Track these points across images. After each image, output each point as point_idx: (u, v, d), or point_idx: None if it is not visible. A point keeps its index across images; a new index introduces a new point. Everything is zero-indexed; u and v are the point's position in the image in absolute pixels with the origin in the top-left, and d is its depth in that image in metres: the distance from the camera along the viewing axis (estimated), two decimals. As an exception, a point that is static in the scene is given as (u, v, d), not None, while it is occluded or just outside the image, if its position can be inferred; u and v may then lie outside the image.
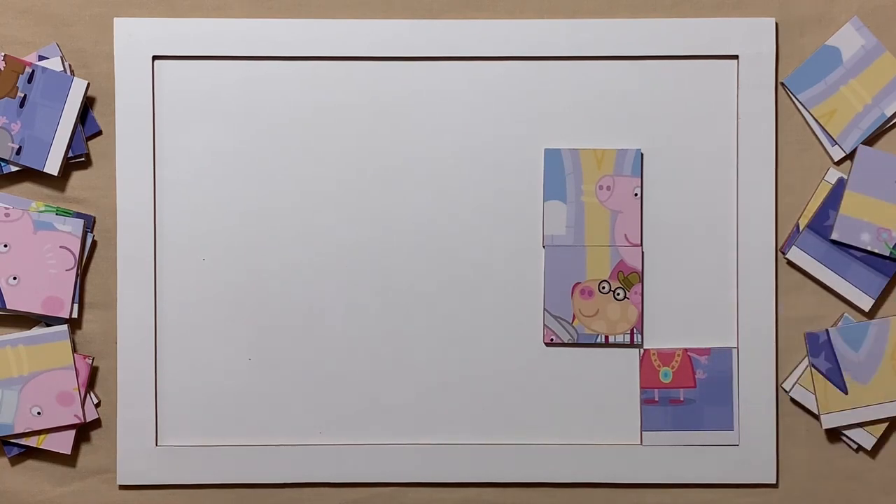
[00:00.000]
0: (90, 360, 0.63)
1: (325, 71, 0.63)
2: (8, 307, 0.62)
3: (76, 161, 0.64)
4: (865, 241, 0.63)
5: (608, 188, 0.63)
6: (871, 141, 0.64)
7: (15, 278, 0.62)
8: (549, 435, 0.64)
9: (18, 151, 0.62)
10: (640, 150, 0.63)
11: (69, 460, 0.64)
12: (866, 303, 0.63)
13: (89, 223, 0.64)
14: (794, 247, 0.63)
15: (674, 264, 0.64)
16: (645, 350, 0.64)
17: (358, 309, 0.64)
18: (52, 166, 0.62)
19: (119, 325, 0.63)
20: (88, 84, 0.63)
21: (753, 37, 0.63)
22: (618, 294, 0.63)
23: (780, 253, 0.64)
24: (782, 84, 0.64)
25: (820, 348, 0.63)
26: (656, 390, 0.63)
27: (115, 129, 0.63)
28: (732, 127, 0.64)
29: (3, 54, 0.62)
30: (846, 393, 0.63)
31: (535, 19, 0.63)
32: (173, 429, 0.63)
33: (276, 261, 0.63)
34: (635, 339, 0.63)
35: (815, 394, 0.63)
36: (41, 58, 0.63)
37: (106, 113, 0.64)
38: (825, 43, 0.63)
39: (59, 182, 0.64)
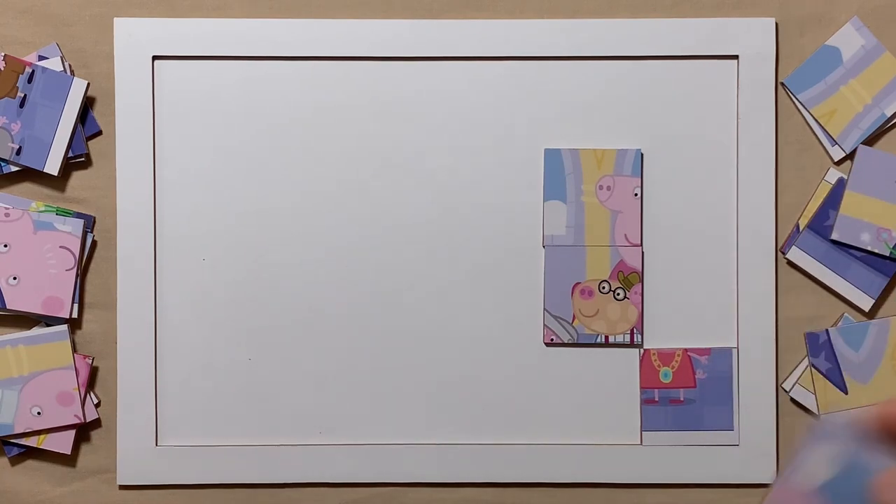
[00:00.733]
0: (90, 360, 0.63)
1: (325, 71, 0.63)
2: (8, 307, 0.62)
3: (76, 161, 0.64)
4: (865, 241, 0.63)
5: (608, 188, 0.63)
6: (871, 141, 0.64)
7: (15, 278, 0.62)
8: (548, 435, 0.64)
9: (18, 151, 0.62)
10: (640, 150, 0.63)
11: (69, 460, 0.64)
12: (866, 303, 0.63)
13: (89, 223, 0.64)
14: (794, 247, 0.63)
15: (674, 264, 0.64)
16: (645, 350, 0.64)
17: (358, 309, 0.64)
18: (52, 166, 0.62)
19: (119, 325, 0.63)
20: (88, 84, 0.63)
21: (753, 37, 0.63)
22: (618, 294, 0.63)
23: (780, 253, 0.64)
24: (782, 84, 0.64)
25: (820, 348, 0.63)
26: (656, 390, 0.63)
27: (115, 129, 0.63)
28: (732, 127, 0.64)
29: (3, 54, 0.62)
30: (846, 393, 0.63)
31: (535, 19, 0.63)
32: (173, 429, 0.63)
33: (276, 261, 0.63)
34: (635, 339, 0.63)
35: (815, 394, 0.63)
36: (41, 58, 0.63)
37: (106, 113, 0.64)
38: (825, 43, 0.63)
39: (59, 182, 0.64)
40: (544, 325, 0.63)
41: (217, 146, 0.64)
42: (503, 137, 0.64)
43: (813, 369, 0.63)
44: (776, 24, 0.63)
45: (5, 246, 0.63)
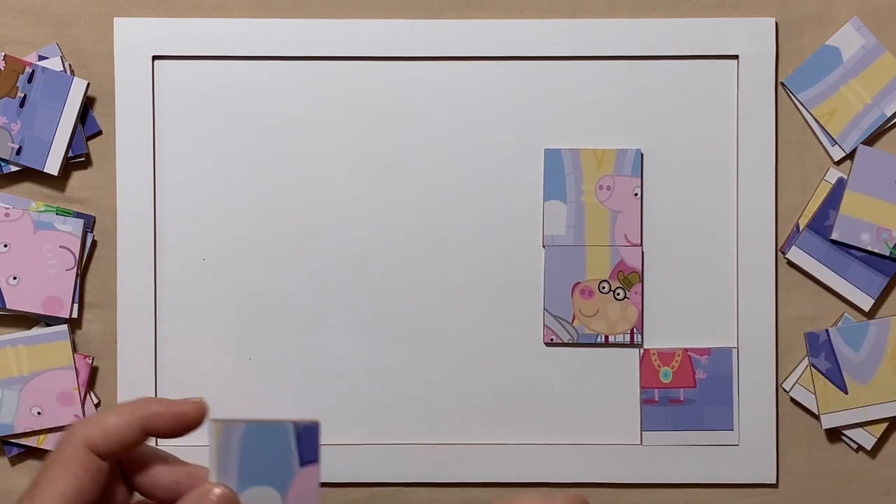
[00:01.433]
0: (90, 360, 0.63)
1: (325, 71, 0.63)
2: (8, 307, 0.62)
3: (76, 161, 0.64)
4: (865, 241, 0.63)
5: (608, 188, 0.63)
6: (871, 141, 0.64)
7: (15, 278, 0.62)
8: (548, 435, 0.64)
9: (18, 151, 0.62)
10: (640, 150, 0.63)
11: (69, 460, 0.64)
12: (866, 303, 0.63)
13: (89, 223, 0.64)
14: (794, 247, 0.63)
15: (674, 264, 0.64)
16: (645, 350, 0.64)
17: (357, 308, 0.64)
18: (52, 166, 0.62)
19: (119, 325, 0.63)
20: (88, 84, 0.63)
21: (753, 37, 0.63)
22: (618, 294, 0.63)
23: (780, 253, 0.64)
24: (782, 84, 0.64)
25: (820, 348, 0.63)
26: (656, 390, 0.63)
27: (115, 129, 0.63)
28: (732, 127, 0.64)
29: (3, 54, 0.62)
30: (846, 393, 0.63)
31: (535, 19, 0.63)
32: (173, 429, 0.63)
33: (276, 261, 0.63)
34: (635, 339, 0.63)
35: (815, 394, 0.63)
36: (41, 58, 0.63)
37: (106, 113, 0.64)
38: (825, 43, 0.63)
39: (59, 182, 0.64)
40: (544, 325, 0.63)
41: (217, 146, 0.64)
42: (503, 137, 0.64)
43: (813, 369, 0.63)
44: (776, 24, 0.63)
45: (5, 246, 0.63)
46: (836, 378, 0.63)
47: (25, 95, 0.62)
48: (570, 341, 0.63)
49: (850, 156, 0.64)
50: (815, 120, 0.64)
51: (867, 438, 0.64)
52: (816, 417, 0.64)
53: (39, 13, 0.63)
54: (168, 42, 0.63)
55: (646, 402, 0.64)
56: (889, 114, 0.63)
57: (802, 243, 0.63)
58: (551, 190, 0.63)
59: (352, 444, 0.64)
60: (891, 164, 0.63)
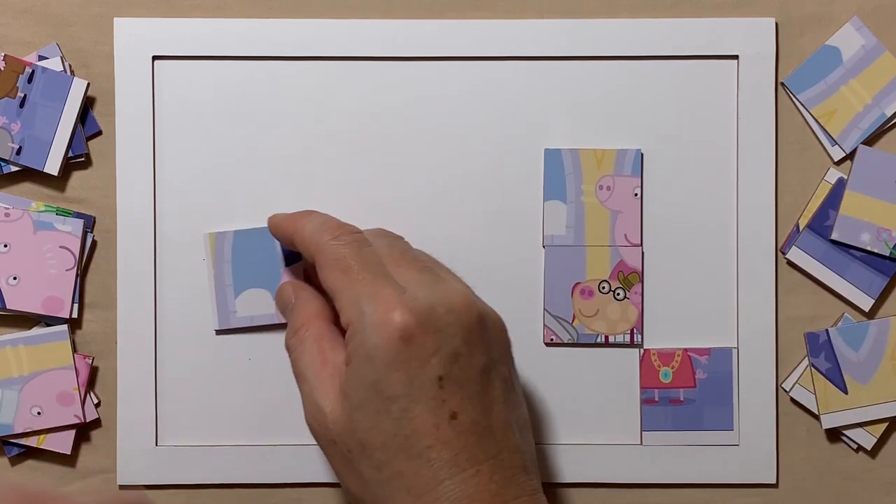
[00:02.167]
0: (90, 360, 0.63)
1: (326, 71, 0.63)
2: (8, 307, 0.62)
3: (76, 161, 0.64)
4: (865, 241, 0.63)
5: (608, 188, 0.63)
6: (871, 141, 0.64)
7: (15, 278, 0.62)
8: (548, 435, 0.64)
9: (18, 151, 0.62)
10: (640, 150, 0.63)
11: (69, 460, 0.64)
12: (866, 303, 0.63)
13: (89, 223, 0.64)
14: (794, 247, 0.63)
15: (674, 264, 0.64)
16: (645, 350, 0.64)
17: (358, 309, 0.63)
18: (52, 166, 0.62)
19: (119, 325, 0.63)
20: (88, 84, 0.63)
21: (753, 37, 0.63)
22: (618, 294, 0.63)
23: (780, 253, 0.64)
24: (782, 84, 0.64)
25: (820, 348, 0.63)
26: (656, 390, 0.63)
27: (115, 129, 0.63)
28: (732, 127, 0.64)
29: (3, 54, 0.62)
30: (846, 393, 0.63)
31: (535, 19, 0.63)
32: (173, 429, 0.63)
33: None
34: (635, 339, 0.63)
35: (815, 394, 0.63)
36: (41, 58, 0.63)
37: (106, 113, 0.64)
38: (825, 43, 0.63)
39: (59, 182, 0.64)
40: (544, 325, 0.63)
41: (217, 146, 0.64)
42: (503, 137, 0.64)
43: (813, 369, 0.63)
44: (776, 24, 0.63)
45: (5, 246, 0.63)
46: (836, 378, 0.63)
47: (25, 95, 0.62)
48: (570, 341, 0.63)
49: (850, 156, 0.64)
50: (815, 120, 0.64)
51: (867, 438, 0.64)
52: (816, 417, 0.64)
53: (39, 13, 0.63)
54: (168, 42, 0.63)
55: (646, 402, 0.64)
56: (889, 114, 0.63)
57: (802, 243, 0.63)
58: (551, 190, 0.63)
59: (352, 444, 0.63)
60: (891, 164, 0.63)
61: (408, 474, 0.46)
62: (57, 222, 0.63)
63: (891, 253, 0.63)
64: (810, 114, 0.64)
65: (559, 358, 0.64)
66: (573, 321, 0.63)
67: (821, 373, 0.63)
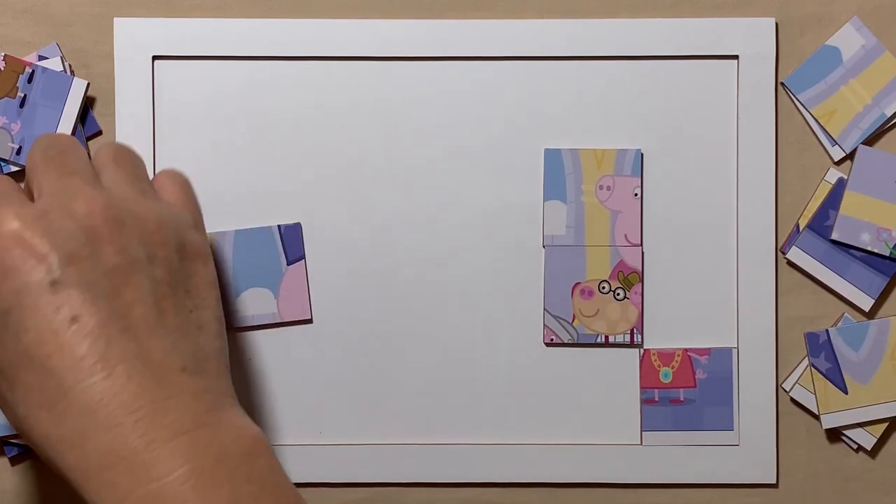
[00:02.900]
0: (90, 360, 0.63)
1: (326, 71, 0.63)
2: (8, 307, 0.62)
3: (76, 161, 0.64)
4: (865, 241, 0.63)
5: (608, 188, 0.63)
6: (871, 141, 0.64)
7: (15, 278, 0.62)
8: (549, 435, 0.64)
9: (18, 151, 0.62)
10: (640, 150, 0.63)
11: (69, 460, 0.64)
12: (866, 303, 0.63)
13: (89, 223, 0.64)
14: (794, 247, 0.63)
15: (674, 264, 0.64)
16: (645, 350, 0.64)
17: (357, 308, 0.64)
18: (52, 166, 0.62)
19: (119, 325, 0.63)
20: (88, 84, 0.63)
21: (753, 37, 0.63)
22: (618, 294, 0.63)
23: (780, 253, 0.64)
24: (782, 84, 0.64)
25: (820, 348, 0.63)
26: (656, 390, 0.64)
27: (115, 129, 0.63)
28: (732, 127, 0.64)
29: (3, 54, 0.62)
30: (846, 393, 0.63)
31: (535, 19, 0.63)
32: (173, 429, 0.63)
33: (276, 261, 0.63)
34: (635, 339, 0.63)
35: (815, 394, 0.63)
36: (41, 58, 0.63)
37: (106, 113, 0.64)
38: (825, 43, 0.63)
39: (59, 182, 0.64)
40: (544, 325, 0.63)
41: (217, 146, 0.64)
42: (503, 137, 0.64)
43: (813, 369, 0.63)
44: (776, 24, 0.63)
45: (5, 246, 0.62)
46: (836, 378, 0.63)
47: (25, 95, 0.62)
48: (570, 341, 0.63)
49: (850, 156, 0.64)
50: (815, 120, 0.64)
51: (867, 438, 0.64)
52: (816, 417, 0.64)
53: (39, 13, 0.63)
54: (168, 42, 0.63)
55: (646, 402, 0.64)
56: (889, 114, 0.63)
57: (802, 243, 0.63)
58: (551, 190, 0.63)
59: (352, 444, 0.64)
60: (891, 164, 0.63)
61: (36, 387, 0.44)
62: (57, 222, 0.63)
63: (891, 253, 0.63)
64: (810, 114, 0.64)
65: (559, 358, 0.64)
66: (573, 321, 0.63)
67: (821, 373, 0.63)
